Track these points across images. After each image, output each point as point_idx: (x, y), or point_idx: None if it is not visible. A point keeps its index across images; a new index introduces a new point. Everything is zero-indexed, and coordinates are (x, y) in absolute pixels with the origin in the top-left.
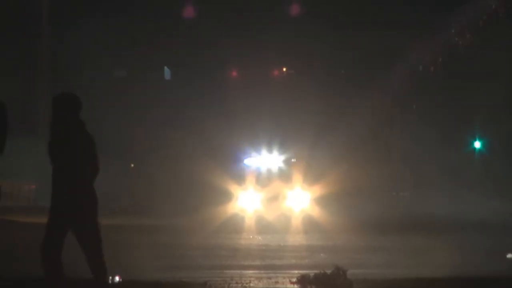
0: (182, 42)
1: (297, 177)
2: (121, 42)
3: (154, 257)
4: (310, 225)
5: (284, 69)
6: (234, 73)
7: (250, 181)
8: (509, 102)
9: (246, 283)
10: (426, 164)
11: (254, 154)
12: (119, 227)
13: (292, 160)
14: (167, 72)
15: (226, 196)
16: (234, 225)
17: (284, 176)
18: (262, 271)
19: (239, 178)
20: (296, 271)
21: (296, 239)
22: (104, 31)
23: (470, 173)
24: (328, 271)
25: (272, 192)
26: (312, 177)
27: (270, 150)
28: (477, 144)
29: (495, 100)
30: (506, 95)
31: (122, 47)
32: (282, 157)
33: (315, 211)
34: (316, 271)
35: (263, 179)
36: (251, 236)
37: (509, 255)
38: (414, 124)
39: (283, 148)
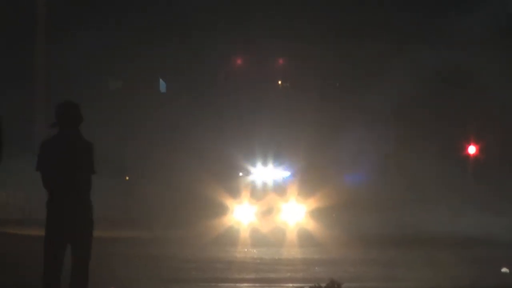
0: (177, 56)
1: (292, 190)
2: (116, 53)
3: (149, 269)
4: (305, 238)
5: (280, 82)
6: (229, 87)
7: (245, 194)
8: (504, 106)
9: None
10: (422, 175)
11: (249, 167)
12: (114, 239)
13: (287, 173)
14: (162, 85)
15: (221, 209)
16: (229, 238)
17: (279, 189)
18: (257, 285)
19: (234, 191)
20: (291, 285)
21: (291, 252)
22: (98, 42)
23: (466, 181)
24: (323, 285)
25: (267, 205)
26: (307, 190)
27: (265, 164)
28: (472, 150)
29: (490, 104)
30: (501, 100)
31: (117, 58)
32: (277, 170)
33: (310, 224)
34: (311, 285)
35: (258, 192)
36: (245, 249)
37: (503, 269)
38: (410, 135)
39: (278, 161)
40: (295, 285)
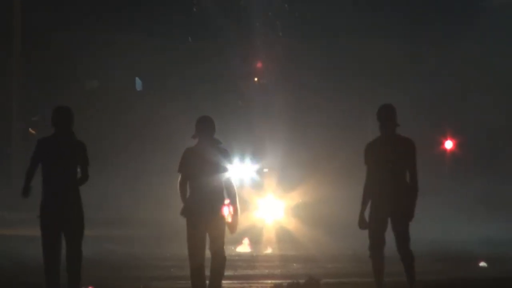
0: (155, 53)
1: (270, 186)
2: (92, 53)
3: (128, 267)
4: (283, 234)
5: (256, 79)
6: (206, 84)
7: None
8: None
9: None
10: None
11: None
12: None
13: (264, 170)
14: (138, 83)
15: None
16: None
17: (256, 185)
18: (235, 281)
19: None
20: (269, 281)
21: (268, 249)
22: (74, 42)
23: (441, 178)
24: (301, 281)
25: (244, 201)
26: (285, 186)
27: (242, 160)
28: (449, 145)
29: (468, 97)
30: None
31: (94, 57)
32: (255, 167)
33: (288, 221)
34: (289, 281)
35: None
36: None
37: (481, 264)
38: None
39: (255, 158)
40: (273, 281)
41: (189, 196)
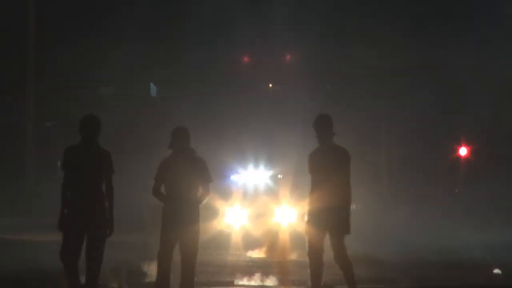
0: (169, 59)
1: (284, 192)
2: (107, 57)
3: (141, 274)
4: (297, 240)
5: (270, 85)
6: (221, 90)
7: (236, 197)
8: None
9: None
10: (413, 177)
11: (240, 170)
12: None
13: (279, 176)
14: (153, 89)
15: (212, 213)
16: (220, 241)
17: (271, 191)
18: (249, 287)
19: (226, 194)
20: None
21: (283, 255)
22: (89, 48)
23: (455, 184)
24: None
25: (259, 208)
26: (299, 192)
27: (256, 166)
28: (463, 151)
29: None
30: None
31: (108, 62)
32: (269, 173)
33: (302, 227)
34: (303, 287)
35: (249, 195)
36: (238, 253)
37: (495, 270)
38: (400, 136)
39: (269, 164)
40: None
41: (164, 205)
